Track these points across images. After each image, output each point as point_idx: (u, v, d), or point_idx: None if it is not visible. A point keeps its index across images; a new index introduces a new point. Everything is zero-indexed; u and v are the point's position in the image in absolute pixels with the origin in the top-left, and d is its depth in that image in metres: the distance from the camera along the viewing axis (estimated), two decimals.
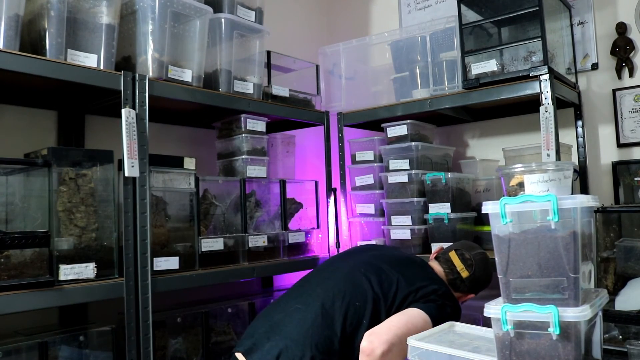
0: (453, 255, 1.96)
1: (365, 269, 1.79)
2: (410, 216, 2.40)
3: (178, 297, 2.34)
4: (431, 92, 2.43)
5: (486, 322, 1.68)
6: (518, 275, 1.43)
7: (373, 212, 2.60)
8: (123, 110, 1.77)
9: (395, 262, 1.86)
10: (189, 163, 2.04)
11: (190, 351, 2.18)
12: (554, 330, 1.34)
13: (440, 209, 2.32)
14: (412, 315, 1.66)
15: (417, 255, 2.38)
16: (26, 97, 1.98)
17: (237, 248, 2.18)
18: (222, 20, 2.20)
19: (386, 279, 1.76)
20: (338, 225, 2.71)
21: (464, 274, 1.92)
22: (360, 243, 2.60)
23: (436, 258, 2.01)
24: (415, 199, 2.40)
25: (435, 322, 1.67)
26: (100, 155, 1.79)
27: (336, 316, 1.64)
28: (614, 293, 1.93)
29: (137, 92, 1.81)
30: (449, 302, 1.77)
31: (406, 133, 2.51)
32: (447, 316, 1.73)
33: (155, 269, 1.84)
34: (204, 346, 2.21)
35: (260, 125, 2.39)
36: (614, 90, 2.42)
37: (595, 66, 2.47)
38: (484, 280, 1.98)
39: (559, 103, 2.21)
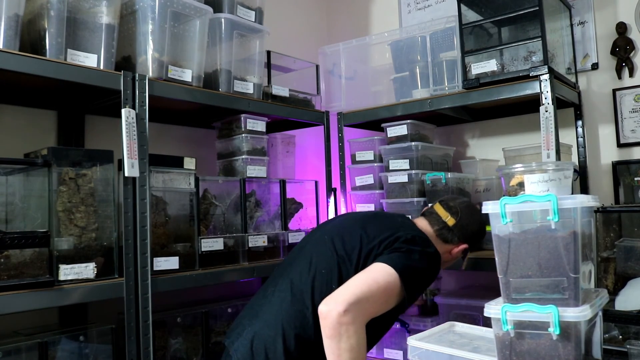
0: (437, 206, 1.88)
1: (330, 235, 1.71)
2: (410, 216, 2.40)
3: (178, 297, 2.34)
4: (431, 92, 2.43)
5: (486, 322, 1.68)
6: (518, 275, 1.43)
7: None
8: (123, 110, 1.77)
9: (361, 219, 1.76)
10: (189, 163, 2.04)
11: (190, 351, 2.18)
12: (554, 330, 1.34)
13: None
14: (373, 270, 1.54)
15: None
16: (26, 97, 1.98)
17: (237, 248, 2.18)
18: (222, 20, 2.20)
19: (349, 239, 1.66)
20: None
21: (450, 221, 1.82)
22: None
23: (422, 215, 1.92)
24: (415, 199, 2.40)
25: (402, 271, 1.52)
26: (100, 155, 1.78)
27: (305, 289, 1.60)
28: (614, 293, 1.93)
29: (137, 92, 1.81)
30: (417, 247, 1.62)
31: (406, 133, 2.51)
32: (416, 262, 1.59)
33: (155, 269, 1.84)
34: (204, 346, 2.21)
35: (260, 125, 2.39)
36: (614, 90, 2.42)
37: (595, 66, 2.47)
38: (474, 227, 1.87)
39: (559, 103, 2.21)
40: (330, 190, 2.72)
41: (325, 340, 1.45)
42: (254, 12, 2.37)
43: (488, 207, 1.49)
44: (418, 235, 1.69)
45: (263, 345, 1.55)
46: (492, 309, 1.46)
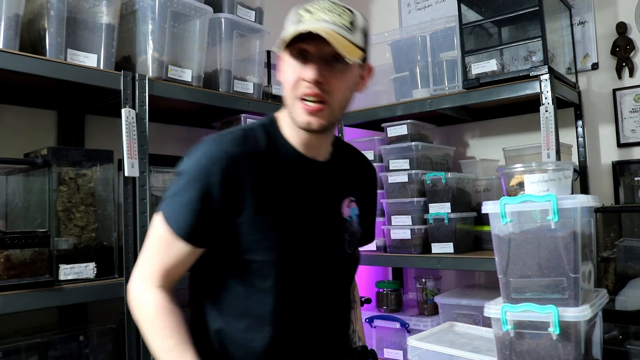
0: None
1: None
2: (410, 216, 2.40)
3: (178, 297, 2.33)
4: (431, 92, 2.43)
5: (486, 322, 1.68)
6: (518, 275, 1.44)
7: None
8: (123, 110, 1.76)
9: None
10: None
11: None
12: (554, 330, 1.34)
13: (440, 209, 2.32)
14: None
15: (417, 255, 2.38)
16: (26, 97, 1.97)
17: None
18: (222, 20, 2.19)
19: None
20: None
21: None
22: None
23: None
24: (416, 199, 2.40)
25: (161, 207, 1.22)
26: (100, 155, 1.78)
27: None
28: (614, 293, 1.93)
29: (137, 91, 1.81)
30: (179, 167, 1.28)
31: (406, 133, 2.51)
32: (172, 186, 1.25)
33: None
34: None
35: None
36: (614, 90, 2.42)
37: (595, 66, 2.47)
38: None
39: (559, 103, 2.21)
40: None
41: None
42: (254, 12, 2.37)
43: (488, 207, 1.49)
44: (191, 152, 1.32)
45: None
46: (492, 309, 1.46)
